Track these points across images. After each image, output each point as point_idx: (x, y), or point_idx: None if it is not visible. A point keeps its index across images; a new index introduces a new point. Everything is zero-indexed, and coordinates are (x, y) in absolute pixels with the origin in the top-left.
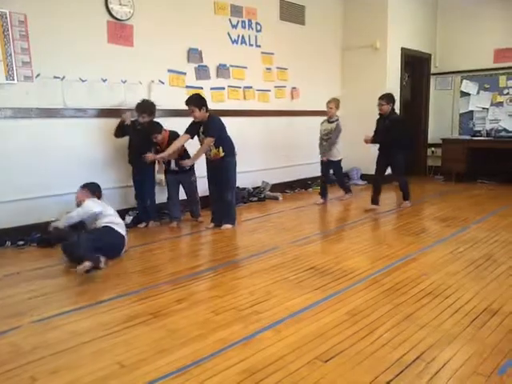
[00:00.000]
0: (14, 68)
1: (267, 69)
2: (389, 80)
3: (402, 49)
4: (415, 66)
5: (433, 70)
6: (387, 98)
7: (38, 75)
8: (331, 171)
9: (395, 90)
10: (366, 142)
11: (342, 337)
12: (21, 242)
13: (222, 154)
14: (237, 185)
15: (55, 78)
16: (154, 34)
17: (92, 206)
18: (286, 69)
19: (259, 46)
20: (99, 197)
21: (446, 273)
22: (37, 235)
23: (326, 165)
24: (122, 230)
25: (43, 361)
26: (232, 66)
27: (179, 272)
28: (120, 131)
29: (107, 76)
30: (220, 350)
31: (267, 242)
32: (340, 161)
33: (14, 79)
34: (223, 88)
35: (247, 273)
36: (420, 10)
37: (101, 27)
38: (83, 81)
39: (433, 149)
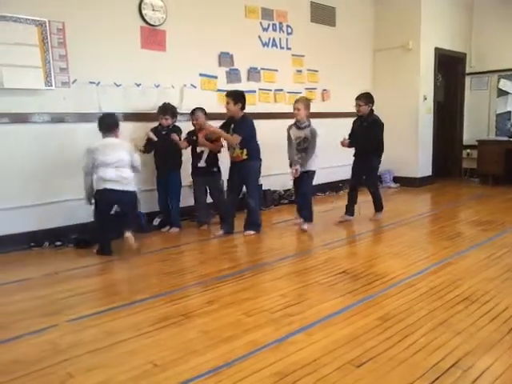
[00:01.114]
0: (52, 74)
1: (298, 71)
2: (422, 81)
3: (436, 49)
4: (449, 66)
5: (468, 70)
6: (365, 98)
7: (74, 81)
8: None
9: (429, 91)
10: (343, 145)
11: (375, 342)
12: (58, 243)
13: (244, 156)
14: (268, 187)
15: (91, 83)
16: (186, 38)
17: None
18: (316, 71)
19: (290, 49)
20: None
21: (483, 278)
22: (73, 236)
23: (299, 179)
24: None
25: (79, 359)
26: (263, 68)
27: (210, 274)
28: (149, 147)
29: (141, 80)
30: (252, 351)
31: (298, 245)
32: (314, 172)
33: (51, 85)
34: (254, 91)
35: (278, 275)
36: (454, 8)
37: (135, 33)
38: (118, 85)
39: (468, 150)
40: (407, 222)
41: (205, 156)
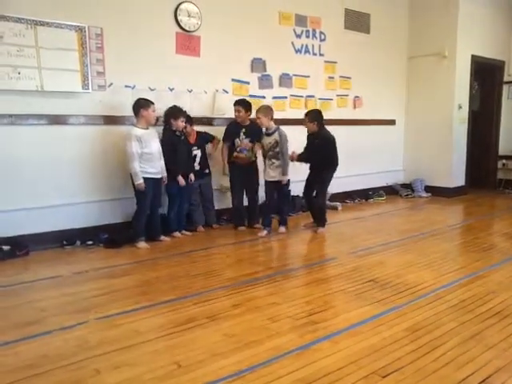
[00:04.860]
0: (90, 78)
1: (330, 77)
2: (457, 89)
3: (473, 56)
4: (486, 74)
5: (506, 79)
6: (310, 116)
7: (110, 84)
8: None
9: (464, 99)
10: (292, 159)
11: (402, 353)
12: (89, 242)
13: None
14: (296, 193)
15: (126, 87)
16: (220, 44)
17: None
18: (349, 78)
19: (322, 55)
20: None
21: None
22: (104, 236)
23: (273, 187)
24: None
25: (107, 356)
26: (295, 75)
27: (237, 278)
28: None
29: (174, 85)
30: (275, 357)
31: (325, 252)
32: (289, 181)
33: (88, 88)
34: (285, 97)
35: (304, 282)
36: (493, 14)
37: (170, 38)
38: (152, 90)
39: (504, 161)
40: (439, 233)
41: (198, 159)
